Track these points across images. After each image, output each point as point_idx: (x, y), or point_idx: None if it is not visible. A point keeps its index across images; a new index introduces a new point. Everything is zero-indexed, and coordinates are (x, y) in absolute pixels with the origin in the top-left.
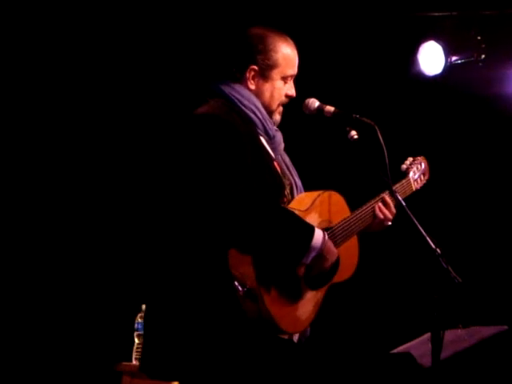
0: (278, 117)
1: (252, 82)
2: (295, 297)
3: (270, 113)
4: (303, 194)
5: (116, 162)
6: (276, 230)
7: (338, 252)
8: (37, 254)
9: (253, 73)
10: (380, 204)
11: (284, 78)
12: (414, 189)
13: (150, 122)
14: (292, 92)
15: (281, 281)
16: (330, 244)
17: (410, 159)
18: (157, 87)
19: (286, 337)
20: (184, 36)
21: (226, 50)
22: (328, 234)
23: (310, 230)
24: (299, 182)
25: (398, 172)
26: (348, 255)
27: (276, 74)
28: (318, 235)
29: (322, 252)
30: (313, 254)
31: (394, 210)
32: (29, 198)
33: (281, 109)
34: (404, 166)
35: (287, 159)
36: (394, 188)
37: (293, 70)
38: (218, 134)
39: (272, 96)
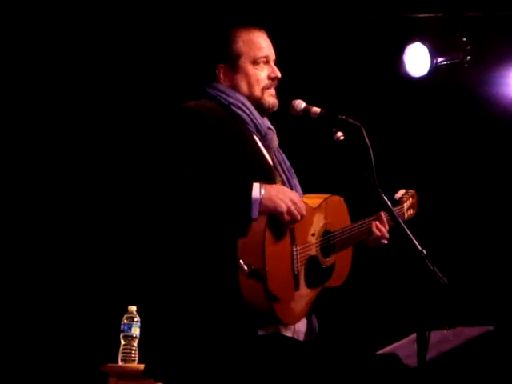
0: (270, 100)
1: (225, 79)
2: (293, 288)
3: (259, 100)
4: (311, 195)
5: (108, 160)
6: (213, 196)
7: (335, 258)
8: (24, 255)
9: (222, 70)
10: (377, 222)
11: (254, 62)
12: (405, 218)
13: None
14: (275, 73)
15: (285, 267)
16: (275, 188)
17: (403, 191)
18: (149, 90)
19: (289, 334)
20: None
21: (197, 56)
22: (330, 238)
23: (246, 184)
24: (295, 181)
25: (391, 200)
26: (342, 263)
27: (244, 63)
28: (256, 186)
29: (263, 201)
30: (256, 205)
31: (387, 227)
32: (18, 200)
33: (270, 92)
34: (398, 195)
35: (282, 158)
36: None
37: (261, 52)
38: (181, 125)
39: (249, 84)
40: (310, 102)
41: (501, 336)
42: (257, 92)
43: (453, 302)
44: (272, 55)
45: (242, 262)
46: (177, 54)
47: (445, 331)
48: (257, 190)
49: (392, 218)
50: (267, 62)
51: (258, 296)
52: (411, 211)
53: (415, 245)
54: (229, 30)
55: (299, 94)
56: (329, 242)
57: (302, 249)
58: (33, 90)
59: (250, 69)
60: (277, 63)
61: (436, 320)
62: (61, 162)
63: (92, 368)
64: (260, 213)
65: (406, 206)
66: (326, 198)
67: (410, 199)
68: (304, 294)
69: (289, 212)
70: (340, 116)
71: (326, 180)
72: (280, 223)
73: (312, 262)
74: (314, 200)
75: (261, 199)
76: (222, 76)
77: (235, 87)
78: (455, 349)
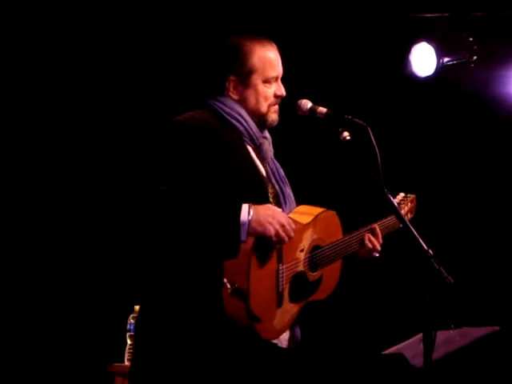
0: (273, 116)
1: (234, 91)
2: (276, 305)
3: (263, 116)
4: (305, 207)
5: (108, 164)
6: (201, 218)
7: (322, 272)
8: (30, 254)
9: (233, 83)
10: (369, 234)
11: (266, 82)
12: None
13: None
14: (281, 92)
15: (269, 286)
16: (264, 209)
17: (402, 195)
18: (149, 97)
19: (274, 341)
20: (177, 48)
21: (205, 63)
22: (318, 253)
23: (236, 205)
24: (288, 191)
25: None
26: (330, 276)
27: (256, 79)
28: (244, 208)
29: (251, 224)
30: (245, 228)
31: (381, 241)
32: (20, 200)
33: (275, 108)
34: (396, 200)
35: (276, 168)
36: (382, 221)
37: (274, 71)
38: (171, 140)
39: (257, 101)
40: (316, 102)
41: (507, 336)
42: (263, 108)
43: (459, 302)
44: (281, 72)
45: (225, 280)
46: (185, 61)
47: (451, 331)
48: (245, 213)
49: (399, 218)
50: (276, 80)
51: (239, 314)
52: (408, 216)
53: (421, 245)
54: (243, 41)
55: (305, 94)
56: (317, 256)
57: (288, 267)
58: (22, 99)
59: (261, 86)
60: (283, 63)
61: (442, 320)
62: (67, 163)
63: (99, 368)
64: (248, 234)
65: (403, 212)
66: (320, 213)
67: (409, 204)
68: (287, 309)
69: (276, 235)
70: (346, 116)
71: (329, 181)
72: (267, 243)
73: (298, 278)
74: (305, 216)
75: (249, 222)
76: (231, 88)
77: (243, 101)
78: (461, 349)
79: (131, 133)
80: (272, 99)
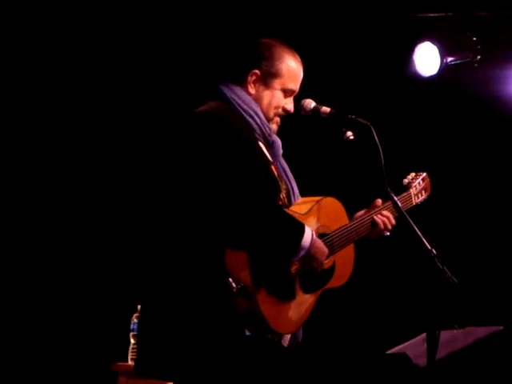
0: (274, 126)
1: (252, 86)
2: (288, 298)
3: (267, 121)
4: (304, 199)
5: (114, 162)
6: (267, 227)
7: (335, 259)
8: (33, 254)
9: (254, 77)
10: (379, 215)
11: (284, 90)
12: (413, 203)
13: (152, 123)
14: (290, 107)
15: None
16: (320, 243)
17: (413, 174)
18: (160, 87)
19: (275, 338)
20: (189, 36)
21: (233, 51)
22: (325, 240)
23: (301, 228)
24: (296, 189)
25: (399, 186)
26: (344, 262)
27: (277, 84)
28: (308, 234)
29: (310, 251)
30: (302, 253)
31: (393, 222)
32: (25, 199)
33: (278, 119)
34: (406, 181)
35: (285, 165)
36: (388, 204)
37: (294, 84)
38: (213, 131)
39: (270, 104)
40: (319, 102)
41: (510, 336)
42: (270, 114)
43: (462, 301)
44: (297, 90)
45: (230, 279)
46: (203, 52)
47: (455, 331)
48: (308, 238)
49: (402, 218)
50: (291, 94)
51: (248, 312)
52: (422, 195)
53: (425, 244)
54: (278, 45)
55: (309, 94)
56: (325, 244)
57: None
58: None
59: (278, 93)
60: None
61: (446, 320)
62: (69, 163)
63: (102, 367)
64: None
65: (413, 191)
66: (318, 202)
67: (421, 182)
68: (302, 301)
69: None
70: (350, 115)
71: (325, 179)
72: None
73: None
74: (304, 205)
75: (308, 249)
76: (251, 82)
77: (257, 98)
78: (465, 349)
79: (135, 127)
80: (280, 110)
